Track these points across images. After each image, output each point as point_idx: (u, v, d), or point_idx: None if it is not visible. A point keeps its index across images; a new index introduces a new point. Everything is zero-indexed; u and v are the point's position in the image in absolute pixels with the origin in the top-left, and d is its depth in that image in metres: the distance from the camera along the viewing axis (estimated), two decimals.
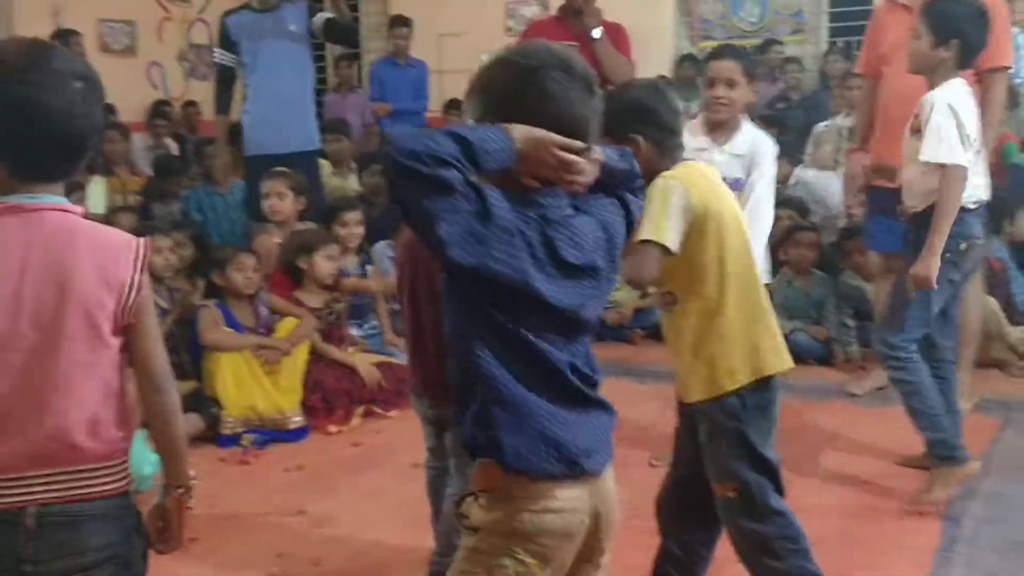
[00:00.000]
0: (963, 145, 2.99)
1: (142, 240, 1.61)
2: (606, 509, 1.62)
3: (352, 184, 6.44)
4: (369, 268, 4.92)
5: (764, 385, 2.21)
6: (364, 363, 4.30)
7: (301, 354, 4.19)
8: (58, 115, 1.52)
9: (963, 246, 3.08)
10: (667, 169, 2.17)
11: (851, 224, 4.98)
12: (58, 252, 1.53)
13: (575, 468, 1.56)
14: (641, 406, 4.01)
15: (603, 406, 1.64)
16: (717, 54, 3.33)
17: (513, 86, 1.56)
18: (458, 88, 7.56)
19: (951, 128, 2.97)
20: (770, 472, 2.22)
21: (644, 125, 2.16)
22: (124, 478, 1.62)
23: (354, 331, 4.68)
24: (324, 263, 4.39)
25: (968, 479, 3.18)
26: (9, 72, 1.51)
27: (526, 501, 1.55)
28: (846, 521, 3.06)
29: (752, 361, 2.20)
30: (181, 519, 1.72)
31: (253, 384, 4.04)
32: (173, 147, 7.47)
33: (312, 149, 5.56)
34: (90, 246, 1.56)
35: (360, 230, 4.87)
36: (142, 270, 1.58)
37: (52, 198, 1.56)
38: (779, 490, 2.24)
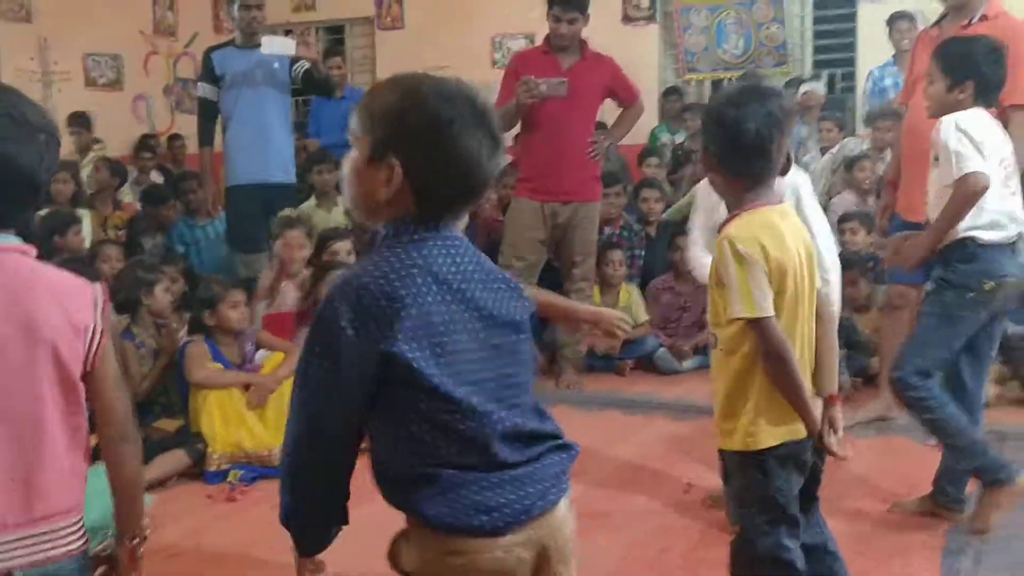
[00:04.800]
0: (980, 157, 2.85)
1: (97, 285, 1.58)
2: (556, 541, 1.50)
3: (336, 216, 6.40)
4: None
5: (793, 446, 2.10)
6: None
7: (288, 390, 4.11)
8: (28, 169, 1.50)
9: (988, 285, 2.93)
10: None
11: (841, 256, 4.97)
12: (20, 294, 1.48)
13: (512, 525, 1.46)
14: (631, 439, 4.00)
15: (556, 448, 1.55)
16: None
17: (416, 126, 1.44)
18: None
19: (964, 145, 2.84)
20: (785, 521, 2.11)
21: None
22: (85, 534, 1.57)
23: None
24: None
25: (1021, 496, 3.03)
26: None
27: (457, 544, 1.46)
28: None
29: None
30: (134, 570, 1.68)
31: (239, 421, 3.97)
32: (159, 180, 7.46)
33: (292, 182, 5.72)
34: (51, 288, 1.52)
35: (351, 260, 4.84)
36: (102, 315, 1.55)
37: (10, 239, 1.52)
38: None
